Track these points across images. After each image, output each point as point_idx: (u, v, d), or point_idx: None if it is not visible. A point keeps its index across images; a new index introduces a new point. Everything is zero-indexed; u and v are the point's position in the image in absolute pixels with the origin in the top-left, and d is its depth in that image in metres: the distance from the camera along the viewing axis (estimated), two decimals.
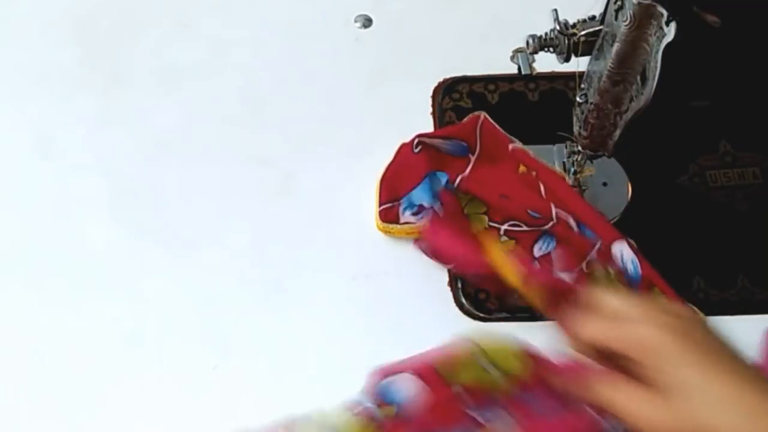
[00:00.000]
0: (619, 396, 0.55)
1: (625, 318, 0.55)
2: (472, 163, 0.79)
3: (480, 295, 0.76)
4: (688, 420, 0.53)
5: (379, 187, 0.79)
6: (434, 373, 0.59)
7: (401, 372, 0.60)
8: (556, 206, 0.75)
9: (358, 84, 0.89)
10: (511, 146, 0.79)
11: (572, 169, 0.78)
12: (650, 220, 0.79)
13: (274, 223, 0.80)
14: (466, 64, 0.88)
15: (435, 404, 0.59)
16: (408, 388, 0.59)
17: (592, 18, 0.65)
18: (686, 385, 0.53)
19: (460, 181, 0.77)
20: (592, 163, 0.76)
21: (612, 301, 0.56)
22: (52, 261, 0.79)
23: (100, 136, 0.86)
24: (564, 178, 0.78)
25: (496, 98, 0.86)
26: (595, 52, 0.66)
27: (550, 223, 0.74)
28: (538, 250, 0.75)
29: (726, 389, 0.52)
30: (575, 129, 0.72)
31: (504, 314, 0.75)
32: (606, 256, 0.72)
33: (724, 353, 0.54)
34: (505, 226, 0.76)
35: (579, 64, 0.68)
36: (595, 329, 0.55)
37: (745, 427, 0.52)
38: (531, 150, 0.82)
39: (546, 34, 0.67)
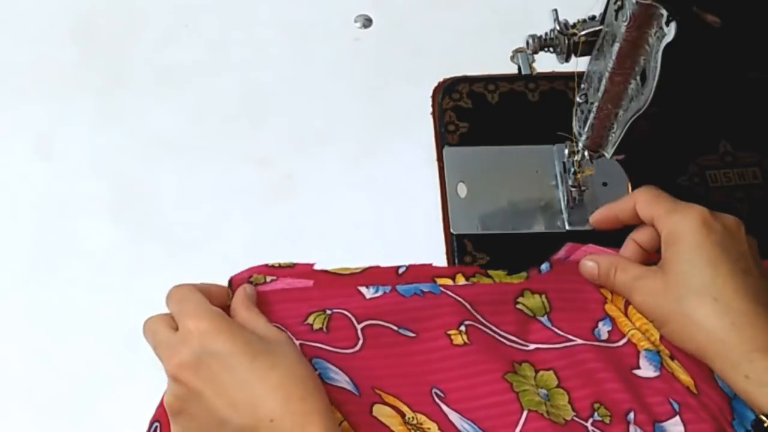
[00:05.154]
0: (619, 274, 0.64)
1: (676, 203, 0.63)
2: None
3: None
4: (660, 298, 0.61)
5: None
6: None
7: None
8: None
9: (358, 84, 0.89)
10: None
11: (572, 169, 0.78)
12: None
13: (274, 223, 0.80)
14: (466, 64, 0.88)
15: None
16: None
17: (592, 18, 0.65)
18: (675, 269, 0.60)
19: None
20: (592, 163, 0.76)
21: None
22: (52, 261, 0.79)
23: (100, 137, 0.86)
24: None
25: (496, 98, 0.86)
26: (595, 52, 0.66)
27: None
28: None
29: (727, 294, 0.58)
30: (575, 129, 0.72)
31: None
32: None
33: (744, 264, 0.60)
34: None
35: (579, 64, 0.68)
36: (652, 198, 0.64)
37: (723, 333, 0.58)
38: (531, 150, 0.82)
39: (546, 34, 0.67)
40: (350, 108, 0.87)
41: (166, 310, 0.76)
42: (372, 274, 0.67)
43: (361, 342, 0.64)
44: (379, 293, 0.65)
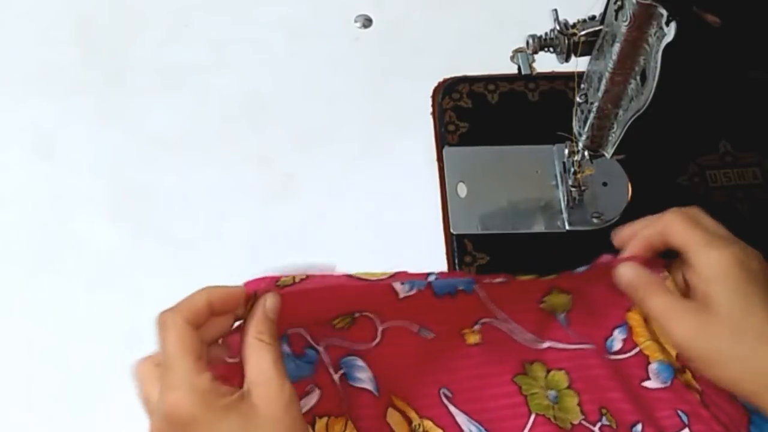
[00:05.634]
0: (654, 298, 0.60)
1: (712, 236, 0.60)
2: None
3: None
4: (709, 338, 0.57)
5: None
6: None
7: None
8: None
9: (358, 84, 0.89)
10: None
11: (572, 169, 0.78)
12: None
13: (274, 223, 0.80)
14: (466, 64, 0.88)
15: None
16: None
17: (592, 18, 0.65)
18: (725, 309, 0.57)
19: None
20: (592, 163, 0.76)
21: (707, 220, 0.62)
22: (52, 261, 0.79)
23: (100, 136, 0.86)
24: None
25: (496, 98, 0.86)
26: (595, 52, 0.66)
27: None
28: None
29: (760, 326, 0.56)
30: (575, 129, 0.72)
31: None
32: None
33: None
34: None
35: (579, 64, 0.68)
36: (685, 227, 0.61)
37: (761, 366, 0.56)
38: (531, 150, 0.82)
39: (546, 34, 0.67)
40: (350, 108, 0.87)
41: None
42: (401, 279, 0.62)
43: (378, 339, 0.63)
44: (414, 290, 0.61)
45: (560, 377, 0.64)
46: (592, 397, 0.63)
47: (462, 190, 0.81)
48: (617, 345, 0.64)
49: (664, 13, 0.57)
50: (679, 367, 0.63)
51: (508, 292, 0.64)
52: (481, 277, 0.64)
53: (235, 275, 0.78)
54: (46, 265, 0.79)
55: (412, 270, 0.78)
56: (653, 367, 0.63)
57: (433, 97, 0.87)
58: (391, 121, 0.86)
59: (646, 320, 0.65)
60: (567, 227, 0.79)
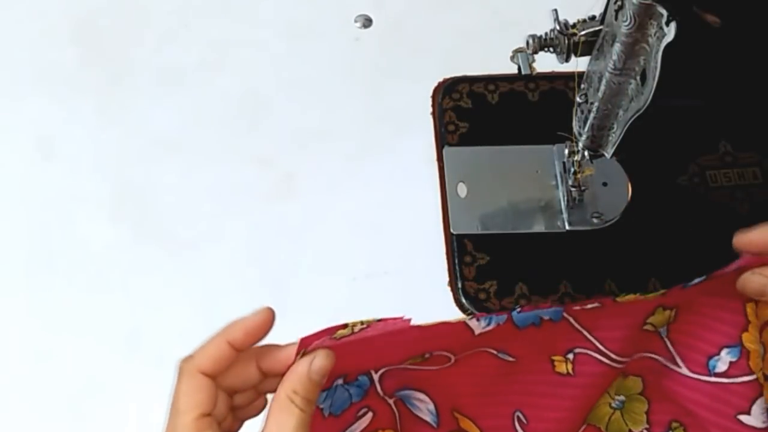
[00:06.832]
0: None
1: None
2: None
3: (480, 295, 0.76)
4: None
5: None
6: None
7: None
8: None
9: (358, 84, 0.89)
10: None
11: (572, 169, 0.78)
12: (650, 220, 0.79)
13: (274, 223, 0.81)
14: (466, 64, 0.88)
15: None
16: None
17: (592, 18, 0.65)
18: None
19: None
20: (592, 163, 0.76)
21: None
22: (52, 261, 0.79)
23: (100, 137, 0.86)
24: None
25: (496, 98, 0.86)
26: (595, 52, 0.66)
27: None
28: None
29: None
30: (575, 129, 0.72)
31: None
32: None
33: None
34: None
35: (579, 64, 0.68)
36: None
37: None
38: (531, 150, 0.82)
39: (546, 34, 0.67)
40: (350, 108, 0.87)
41: (165, 310, 0.77)
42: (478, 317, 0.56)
43: (452, 361, 0.57)
44: (492, 325, 0.55)
45: (635, 383, 0.59)
46: (665, 408, 0.58)
47: (462, 190, 0.81)
48: (722, 366, 0.56)
49: (664, 13, 0.57)
50: None
51: (603, 316, 0.57)
52: (572, 304, 0.56)
53: (236, 275, 0.79)
54: (46, 265, 0.79)
55: (411, 270, 0.78)
56: (763, 402, 0.55)
57: (433, 97, 0.87)
58: (391, 121, 0.86)
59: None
60: (567, 227, 0.79)
